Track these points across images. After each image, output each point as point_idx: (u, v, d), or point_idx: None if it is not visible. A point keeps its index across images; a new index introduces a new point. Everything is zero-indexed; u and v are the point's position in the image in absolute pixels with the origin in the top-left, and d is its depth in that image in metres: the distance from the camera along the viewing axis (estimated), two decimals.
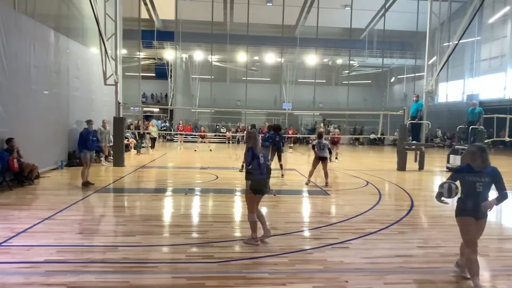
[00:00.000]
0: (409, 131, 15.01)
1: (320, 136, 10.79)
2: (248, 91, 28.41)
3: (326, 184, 10.35)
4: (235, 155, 16.42)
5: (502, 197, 4.12)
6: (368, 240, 5.75)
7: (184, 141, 24.71)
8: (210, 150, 21.14)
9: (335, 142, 17.06)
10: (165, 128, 31.43)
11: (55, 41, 12.33)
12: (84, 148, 9.68)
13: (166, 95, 35.87)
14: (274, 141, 11.80)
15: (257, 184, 5.43)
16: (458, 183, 4.29)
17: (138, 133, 19.79)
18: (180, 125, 23.24)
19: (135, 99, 23.05)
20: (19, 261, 4.66)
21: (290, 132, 23.41)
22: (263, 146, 12.23)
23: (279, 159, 11.87)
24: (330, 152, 11.09)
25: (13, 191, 8.89)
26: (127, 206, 8.31)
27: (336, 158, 16.86)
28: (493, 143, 18.82)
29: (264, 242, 5.47)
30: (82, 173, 9.64)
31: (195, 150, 20.96)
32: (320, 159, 10.45)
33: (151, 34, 33.92)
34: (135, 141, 19.52)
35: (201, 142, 22.01)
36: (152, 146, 20.86)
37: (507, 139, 16.25)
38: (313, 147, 10.65)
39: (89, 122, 10.21)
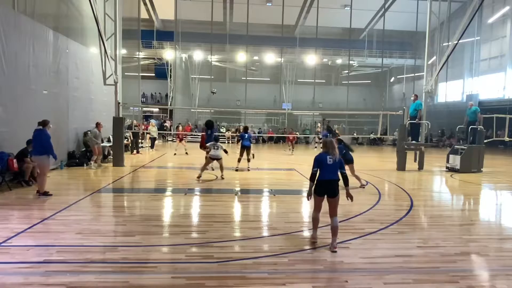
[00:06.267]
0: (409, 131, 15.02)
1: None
2: (247, 91, 28.41)
3: None
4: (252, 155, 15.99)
5: None
6: (368, 240, 5.75)
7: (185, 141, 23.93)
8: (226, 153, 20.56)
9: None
10: (165, 128, 31.41)
11: (55, 41, 12.32)
12: None
13: (166, 95, 35.86)
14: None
15: (317, 185, 5.68)
16: None
17: (138, 133, 19.74)
18: (180, 128, 22.26)
19: (134, 99, 23.00)
20: (18, 261, 4.65)
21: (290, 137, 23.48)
22: (243, 147, 13.16)
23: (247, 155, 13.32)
24: None
25: (13, 191, 8.89)
26: (126, 206, 8.30)
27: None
28: (493, 143, 18.80)
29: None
30: None
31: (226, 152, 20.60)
32: None
33: (151, 34, 33.94)
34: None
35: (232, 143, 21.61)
36: (152, 146, 20.85)
37: (506, 139, 16.26)
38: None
39: None
